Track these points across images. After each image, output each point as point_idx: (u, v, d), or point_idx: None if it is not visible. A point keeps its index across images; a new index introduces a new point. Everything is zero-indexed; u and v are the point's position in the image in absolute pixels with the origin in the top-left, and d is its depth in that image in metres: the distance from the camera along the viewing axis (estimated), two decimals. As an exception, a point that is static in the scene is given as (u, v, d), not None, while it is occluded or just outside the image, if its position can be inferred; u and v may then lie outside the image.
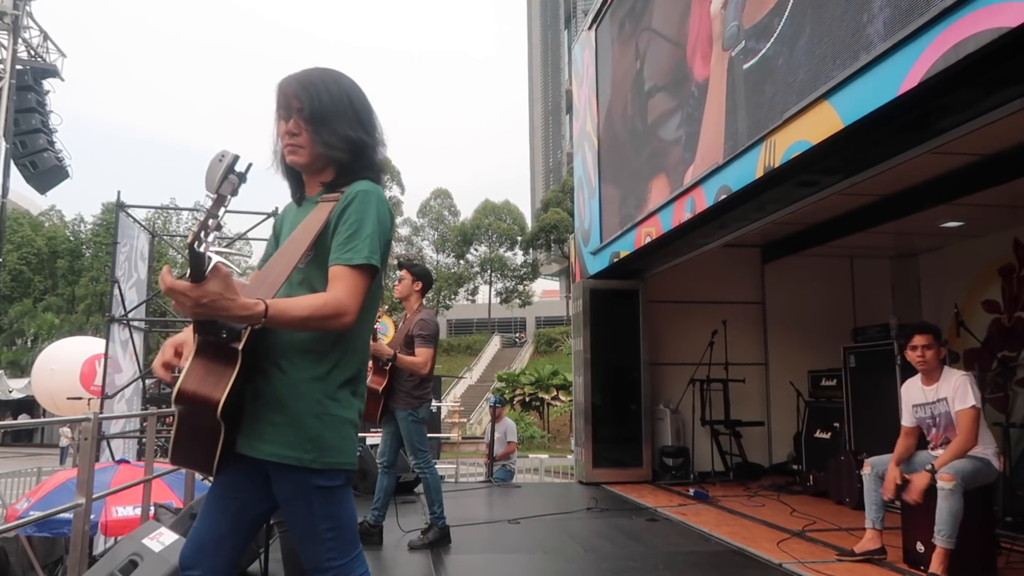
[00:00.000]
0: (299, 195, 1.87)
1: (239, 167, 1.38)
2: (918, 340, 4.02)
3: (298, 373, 1.65)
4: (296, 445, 1.62)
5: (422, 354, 4.37)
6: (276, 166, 1.85)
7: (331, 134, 1.73)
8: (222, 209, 1.39)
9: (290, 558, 3.14)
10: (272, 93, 1.78)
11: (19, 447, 28.89)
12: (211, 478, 1.77)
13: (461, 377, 36.18)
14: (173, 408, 1.58)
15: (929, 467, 3.75)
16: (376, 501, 4.57)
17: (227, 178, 1.37)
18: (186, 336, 1.70)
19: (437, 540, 4.48)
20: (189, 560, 1.76)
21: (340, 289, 1.61)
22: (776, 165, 4.04)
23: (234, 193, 1.40)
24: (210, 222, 1.37)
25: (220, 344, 1.56)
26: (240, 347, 1.57)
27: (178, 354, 1.69)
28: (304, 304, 1.57)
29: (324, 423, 1.65)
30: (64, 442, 21.82)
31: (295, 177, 1.86)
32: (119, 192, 8.82)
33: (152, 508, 4.31)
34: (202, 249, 1.37)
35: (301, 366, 1.66)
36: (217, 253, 1.40)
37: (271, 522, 3.55)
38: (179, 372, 1.61)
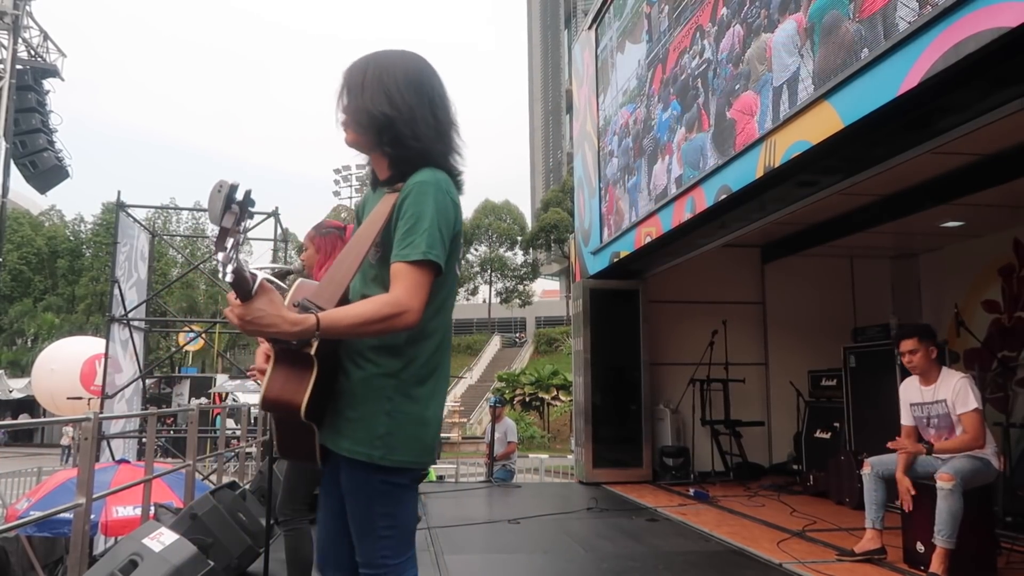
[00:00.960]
0: (373, 180, 1.81)
1: (239, 195, 1.33)
2: (904, 346, 4.06)
3: (371, 369, 1.65)
4: (365, 441, 1.63)
5: None
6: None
7: (355, 110, 1.70)
8: (231, 240, 1.34)
9: (293, 558, 3.13)
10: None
11: (19, 447, 28.89)
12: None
13: (461, 377, 36.19)
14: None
15: (926, 445, 3.75)
16: None
17: (228, 208, 1.32)
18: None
19: None
20: (320, 562, 1.82)
21: (399, 287, 1.58)
22: (776, 165, 4.04)
23: (239, 222, 1.35)
24: (220, 255, 1.35)
25: (293, 351, 1.58)
26: (312, 352, 1.57)
27: (268, 360, 1.70)
28: (358, 311, 1.55)
29: (394, 420, 1.65)
30: (66, 441, 21.84)
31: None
32: (119, 192, 8.85)
33: (152, 508, 4.31)
34: (230, 275, 1.36)
35: (375, 362, 1.65)
36: (261, 269, 1.40)
37: (272, 522, 3.55)
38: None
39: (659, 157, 5.93)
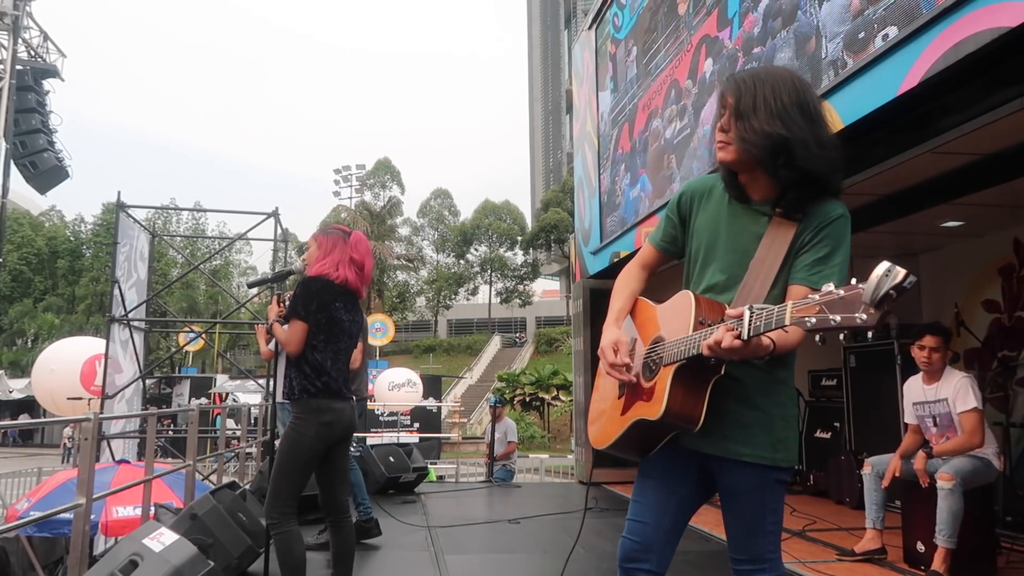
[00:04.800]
0: (737, 193, 1.78)
1: (907, 284, 1.28)
2: (928, 341, 4.03)
3: (767, 377, 1.73)
4: (767, 445, 1.72)
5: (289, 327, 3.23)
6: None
7: (749, 129, 1.66)
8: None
9: (287, 560, 3.13)
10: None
11: (19, 447, 28.89)
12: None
13: (461, 377, 36.21)
14: (630, 421, 1.76)
15: (927, 449, 3.76)
16: (355, 498, 4.60)
17: (887, 294, 1.28)
18: (617, 336, 1.81)
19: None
20: (637, 554, 1.83)
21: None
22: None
23: (887, 310, 1.31)
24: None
25: (704, 366, 1.64)
26: (723, 368, 1.65)
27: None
28: (795, 335, 1.53)
29: (788, 424, 1.76)
30: (66, 442, 21.84)
31: (729, 173, 1.79)
32: (119, 192, 8.82)
33: (152, 508, 4.31)
34: (748, 333, 1.45)
35: (768, 371, 1.73)
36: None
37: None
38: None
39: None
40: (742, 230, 1.75)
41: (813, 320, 1.34)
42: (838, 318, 1.30)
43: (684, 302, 1.71)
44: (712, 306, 1.67)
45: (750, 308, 1.45)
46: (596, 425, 2.00)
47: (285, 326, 3.25)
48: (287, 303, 3.36)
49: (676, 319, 1.71)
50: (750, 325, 1.44)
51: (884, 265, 1.28)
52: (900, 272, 1.27)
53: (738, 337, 1.46)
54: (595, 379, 2.08)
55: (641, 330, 1.87)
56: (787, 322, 1.38)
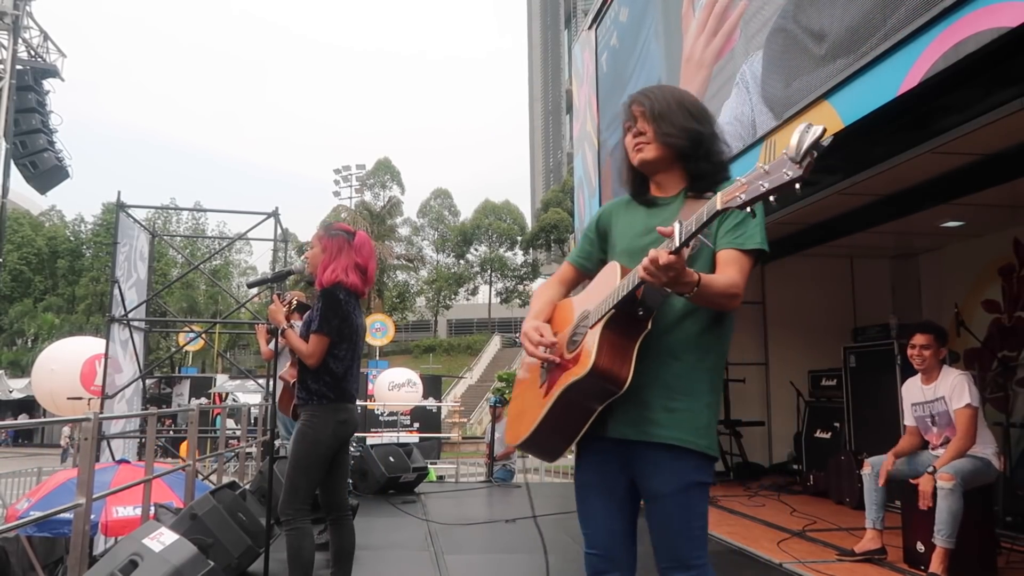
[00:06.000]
0: (644, 196, 1.92)
1: (824, 141, 1.34)
2: (917, 339, 4.04)
3: (694, 362, 1.75)
4: (693, 431, 1.72)
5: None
6: (622, 179, 1.97)
7: (669, 126, 1.82)
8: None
9: (296, 557, 3.13)
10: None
11: (19, 447, 28.88)
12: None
13: (461, 377, 36.20)
14: (556, 393, 1.71)
15: (931, 469, 3.75)
16: None
17: (808, 149, 1.34)
18: (539, 322, 1.85)
19: None
20: (604, 564, 1.86)
21: (734, 272, 1.69)
22: (776, 165, 4.03)
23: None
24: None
25: (632, 319, 1.67)
26: (649, 323, 1.68)
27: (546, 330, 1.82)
28: (724, 280, 1.65)
29: (712, 412, 1.77)
30: (64, 442, 21.83)
31: (641, 177, 1.93)
32: (119, 192, 8.81)
33: (152, 508, 4.31)
34: (687, 244, 1.49)
35: (696, 355, 1.75)
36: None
37: (272, 521, 3.55)
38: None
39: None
40: (661, 221, 1.81)
41: (743, 196, 1.40)
42: (766, 184, 1.38)
43: (611, 268, 1.78)
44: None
45: (679, 220, 1.50)
46: (518, 422, 1.97)
47: (295, 327, 3.25)
48: (291, 303, 3.36)
49: (603, 286, 1.76)
50: (681, 232, 1.48)
51: (803, 124, 1.35)
52: (818, 128, 1.33)
53: (672, 252, 1.48)
54: (514, 385, 2.10)
55: (562, 327, 1.88)
56: (718, 207, 1.43)
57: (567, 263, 2.08)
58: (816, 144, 1.33)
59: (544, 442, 1.85)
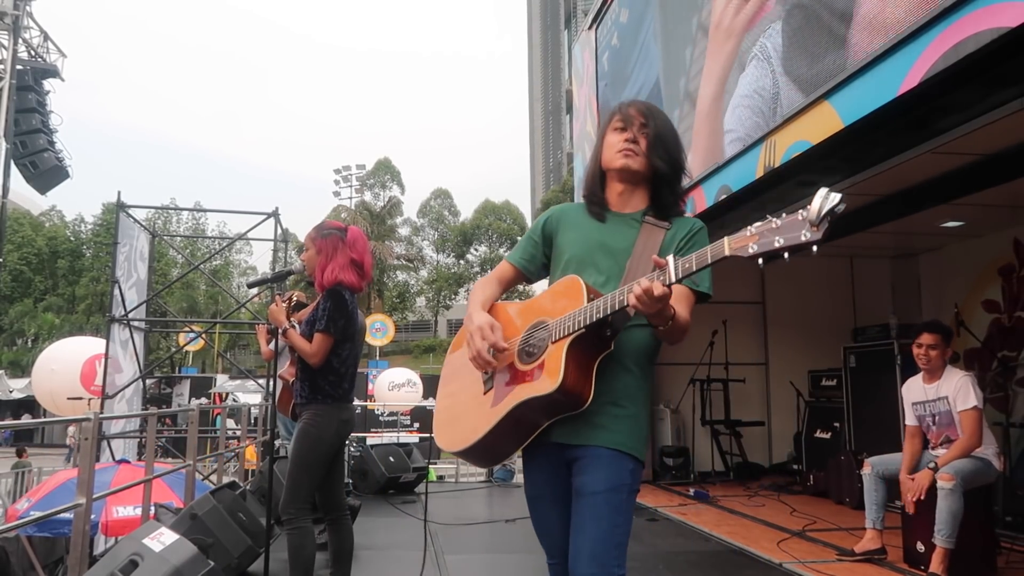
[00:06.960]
0: (601, 209, 1.94)
1: (838, 209, 1.39)
2: (925, 339, 4.01)
3: (642, 376, 1.82)
4: (635, 438, 1.78)
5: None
6: (585, 176, 2.00)
7: (663, 151, 1.88)
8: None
9: (297, 556, 3.13)
10: (612, 110, 1.96)
11: (18, 447, 28.85)
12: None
13: (461, 377, 36.12)
14: (512, 404, 1.71)
15: (932, 465, 3.75)
16: None
17: (827, 214, 1.39)
18: (490, 318, 1.83)
19: None
20: (567, 572, 1.81)
21: (685, 309, 1.72)
22: (776, 165, 4.04)
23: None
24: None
25: (599, 339, 1.70)
26: (612, 344, 1.72)
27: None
28: (685, 318, 1.70)
29: (648, 423, 1.84)
30: (69, 442, 21.83)
31: (603, 183, 1.96)
32: (119, 192, 8.81)
33: (152, 508, 4.32)
34: (675, 276, 1.51)
35: (646, 370, 1.83)
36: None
37: (272, 521, 3.56)
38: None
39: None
40: (616, 236, 1.88)
41: (754, 247, 1.44)
42: (781, 240, 1.42)
43: (573, 283, 1.77)
44: (596, 292, 1.73)
45: (674, 256, 1.53)
46: (454, 426, 1.91)
47: (297, 327, 3.25)
48: (291, 300, 3.36)
49: (565, 299, 1.76)
50: (678, 268, 1.51)
51: (823, 190, 1.39)
52: (836, 196, 1.38)
53: (667, 286, 1.52)
54: (440, 380, 2.07)
55: (507, 332, 1.84)
56: (726, 252, 1.46)
57: (507, 263, 2.05)
58: (832, 211, 1.38)
59: (486, 452, 1.85)
